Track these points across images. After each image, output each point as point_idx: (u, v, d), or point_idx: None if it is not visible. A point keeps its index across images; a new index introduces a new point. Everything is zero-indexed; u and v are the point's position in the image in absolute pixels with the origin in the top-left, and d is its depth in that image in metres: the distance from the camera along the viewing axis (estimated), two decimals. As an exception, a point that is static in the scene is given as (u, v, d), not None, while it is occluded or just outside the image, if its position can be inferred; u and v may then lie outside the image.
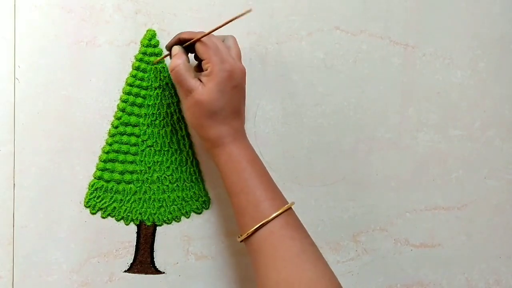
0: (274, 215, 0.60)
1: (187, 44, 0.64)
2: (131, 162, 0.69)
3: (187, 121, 0.69)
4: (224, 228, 0.72)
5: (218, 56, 0.62)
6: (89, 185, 0.69)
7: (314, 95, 0.73)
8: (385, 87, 0.75)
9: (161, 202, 0.70)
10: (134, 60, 0.69)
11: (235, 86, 0.63)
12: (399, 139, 0.75)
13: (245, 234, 0.60)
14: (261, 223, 0.60)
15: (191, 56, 0.66)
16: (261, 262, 0.60)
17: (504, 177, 0.77)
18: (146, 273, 0.71)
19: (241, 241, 0.62)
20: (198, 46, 0.63)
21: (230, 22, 0.62)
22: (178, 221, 0.71)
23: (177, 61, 0.63)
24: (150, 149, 0.70)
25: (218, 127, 0.63)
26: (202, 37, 0.62)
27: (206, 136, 0.63)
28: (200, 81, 0.62)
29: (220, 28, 0.63)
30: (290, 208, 0.62)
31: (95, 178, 0.69)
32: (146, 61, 0.69)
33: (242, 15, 0.61)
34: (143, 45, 0.69)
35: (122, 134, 0.69)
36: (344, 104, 0.74)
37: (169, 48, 0.65)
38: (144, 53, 0.69)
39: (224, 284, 0.72)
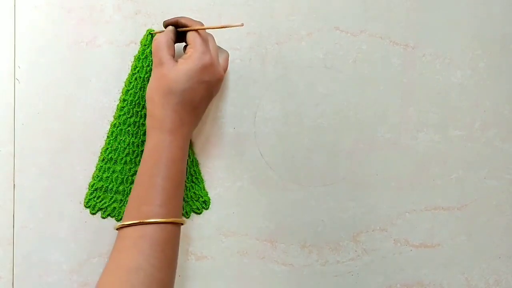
0: (152, 220, 0.59)
1: (183, 29, 0.64)
2: (131, 163, 0.69)
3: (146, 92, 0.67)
4: (224, 228, 0.72)
5: (204, 47, 0.63)
6: (89, 185, 0.69)
7: (314, 95, 0.73)
8: (385, 87, 0.75)
9: (161, 202, 0.70)
10: (134, 60, 0.69)
11: (204, 82, 0.62)
12: (399, 139, 0.75)
13: (120, 224, 0.60)
14: (137, 221, 0.59)
15: (181, 46, 0.67)
16: (113, 251, 0.60)
17: (504, 177, 0.77)
18: (146, 273, 0.71)
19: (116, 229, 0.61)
20: (190, 33, 0.64)
21: (221, 28, 0.65)
22: (178, 221, 0.71)
23: (163, 36, 0.64)
24: (150, 149, 0.69)
25: (167, 110, 0.62)
26: (199, 29, 0.64)
27: (152, 112, 0.63)
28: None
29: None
30: (173, 224, 0.61)
31: (95, 178, 0.69)
32: (146, 61, 0.69)
33: (233, 26, 0.63)
34: (143, 45, 0.69)
35: (122, 134, 0.69)
36: (344, 104, 0.74)
37: (165, 26, 0.66)
38: (144, 53, 0.69)
39: (224, 284, 0.72)
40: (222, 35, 0.71)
